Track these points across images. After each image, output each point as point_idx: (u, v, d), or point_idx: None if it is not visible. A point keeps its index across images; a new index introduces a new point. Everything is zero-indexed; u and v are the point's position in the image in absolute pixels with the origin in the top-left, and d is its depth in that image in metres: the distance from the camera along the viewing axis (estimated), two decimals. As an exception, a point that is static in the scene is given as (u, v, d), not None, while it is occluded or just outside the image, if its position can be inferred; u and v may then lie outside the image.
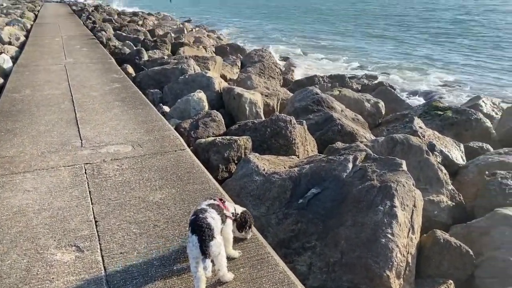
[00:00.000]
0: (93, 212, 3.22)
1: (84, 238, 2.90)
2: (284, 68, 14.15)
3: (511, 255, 3.17)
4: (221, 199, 2.60)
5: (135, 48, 11.57)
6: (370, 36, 28.24)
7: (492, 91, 12.74)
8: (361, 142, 5.49)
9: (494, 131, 7.13)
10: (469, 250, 3.34)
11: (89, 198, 3.43)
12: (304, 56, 19.74)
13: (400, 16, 46.47)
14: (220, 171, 4.62)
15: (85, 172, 3.91)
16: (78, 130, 5.04)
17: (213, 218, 2.33)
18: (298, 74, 13.19)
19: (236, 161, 4.67)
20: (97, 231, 2.98)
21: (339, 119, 6.38)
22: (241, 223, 2.69)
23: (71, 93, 6.76)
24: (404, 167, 3.65)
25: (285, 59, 17.84)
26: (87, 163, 4.10)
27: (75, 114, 5.69)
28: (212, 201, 2.50)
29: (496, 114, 8.19)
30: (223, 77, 10.04)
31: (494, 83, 14.41)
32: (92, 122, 5.34)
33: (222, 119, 5.78)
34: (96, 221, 3.10)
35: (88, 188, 3.61)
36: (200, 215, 2.30)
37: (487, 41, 24.86)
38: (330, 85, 10.96)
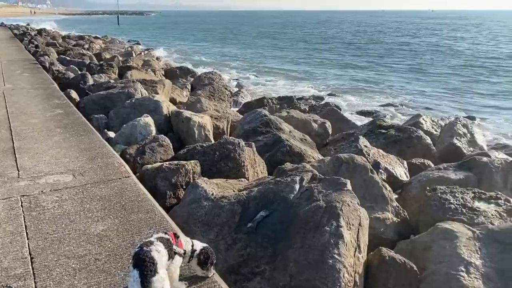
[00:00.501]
0: (29, 248, 3.02)
1: (17, 277, 2.70)
2: (234, 91, 14.26)
3: (451, 268, 3.29)
4: (174, 234, 2.49)
5: (79, 72, 11.24)
6: (318, 58, 29.23)
7: (432, 110, 13.44)
8: (309, 162, 5.57)
9: (434, 148, 7.49)
10: (413, 266, 3.42)
11: (25, 233, 3.22)
12: (254, 79, 20.03)
13: (345, 39, 48.44)
14: (168, 198, 4.50)
15: (21, 205, 3.68)
16: (15, 160, 4.77)
17: (158, 251, 2.22)
18: (248, 96, 13.32)
19: (184, 187, 4.58)
20: (33, 269, 2.78)
21: (287, 140, 6.46)
22: (203, 260, 2.55)
23: (9, 121, 6.42)
24: (349, 186, 3.72)
25: (235, 81, 18.00)
26: (23, 195, 3.87)
27: (13, 143, 5.39)
28: (163, 235, 2.38)
29: (436, 131, 8.61)
30: (173, 100, 9.95)
31: (434, 101, 15.24)
32: (31, 151, 5.07)
33: (170, 144, 5.68)
34: (31, 258, 2.90)
35: (24, 222, 3.39)
36: (144, 248, 2.19)
37: (428, 63, 26.39)
38: (279, 106, 11.13)
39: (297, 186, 3.83)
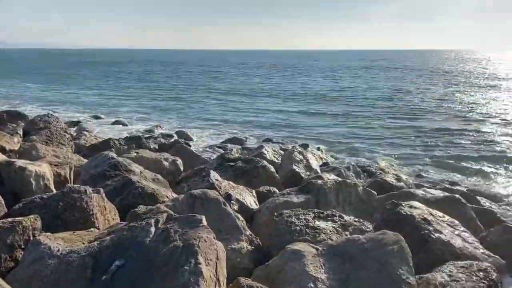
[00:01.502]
0: None
1: None
2: (75, 133, 13.34)
3: (302, 286, 3.60)
4: None
5: None
6: (160, 96, 29.38)
7: (273, 141, 14.61)
8: (163, 202, 5.53)
9: (277, 175, 8.15)
10: (270, 289, 3.65)
11: None
12: (96, 120, 19.04)
13: (183, 75, 49.74)
14: (3, 261, 3.95)
15: None
16: None
17: None
18: (91, 139, 12.59)
19: (23, 246, 4.08)
20: None
21: (138, 182, 6.30)
22: None
23: None
24: (204, 222, 3.82)
25: (75, 123, 16.82)
26: None
27: None
28: None
29: (277, 159, 9.40)
30: (2, 149, 8.81)
31: (271, 133, 16.61)
32: None
33: (1, 199, 5.02)
34: None
35: None
36: None
37: (250, 100, 28.74)
38: (126, 147, 10.78)
39: (152, 229, 3.77)
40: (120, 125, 17.61)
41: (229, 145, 12.20)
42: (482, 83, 38.27)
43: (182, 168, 8.24)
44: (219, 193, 5.62)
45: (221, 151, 11.47)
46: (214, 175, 6.91)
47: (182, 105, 24.67)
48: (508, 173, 10.87)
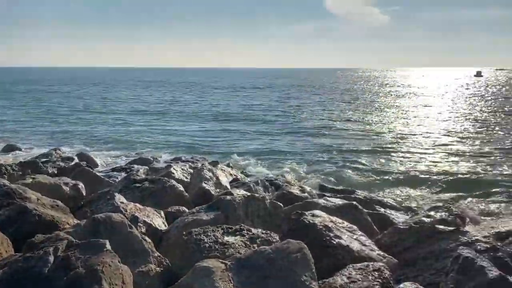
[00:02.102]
0: None
1: None
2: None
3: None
4: None
5: None
6: (59, 117, 27.62)
7: (181, 160, 14.49)
8: (64, 229, 5.22)
9: (187, 194, 8.11)
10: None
11: None
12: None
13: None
14: None
15: None
16: None
17: None
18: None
19: None
20: None
21: (35, 209, 5.87)
22: None
23: None
24: (108, 246, 3.70)
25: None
26: None
27: None
28: None
29: (186, 178, 9.35)
30: None
31: (176, 153, 16.48)
32: None
33: None
34: None
35: None
36: None
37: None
38: (21, 173, 9.97)
39: (51, 258, 3.56)
40: (15, 151, 16.15)
41: (136, 166, 11.84)
42: (377, 99, 41.90)
43: (84, 193, 7.86)
44: (125, 216, 5.45)
45: (127, 172, 11.09)
46: (119, 198, 6.68)
47: (83, 126, 23.43)
48: (398, 179, 12.01)
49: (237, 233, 5.14)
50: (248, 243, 4.96)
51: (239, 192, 8.47)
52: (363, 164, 13.92)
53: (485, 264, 4.48)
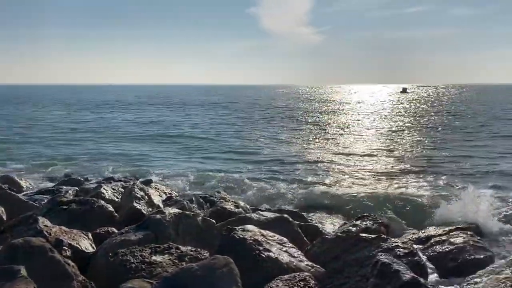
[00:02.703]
0: None
1: None
2: None
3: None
4: None
5: None
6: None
7: (114, 180, 14.07)
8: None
9: (117, 214, 7.90)
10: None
11: None
12: None
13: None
14: None
15: None
16: None
17: None
18: None
19: None
20: None
21: None
22: None
23: None
24: (23, 272, 3.55)
25: None
26: None
27: None
28: None
29: (117, 198, 9.09)
30: None
31: (112, 171, 16.00)
32: None
33: None
34: None
35: None
36: None
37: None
38: None
39: (-41, 289, 3.34)
40: None
41: (64, 188, 11.29)
42: (310, 115, 43.38)
43: (5, 217, 7.41)
44: (48, 240, 5.23)
45: (54, 194, 10.55)
46: (43, 221, 6.37)
47: (4, 145, 21.99)
48: (331, 190, 12.48)
49: (166, 251, 5.11)
50: (177, 261, 4.94)
51: (171, 211, 8.38)
52: (297, 179, 14.31)
53: (401, 268, 4.81)
